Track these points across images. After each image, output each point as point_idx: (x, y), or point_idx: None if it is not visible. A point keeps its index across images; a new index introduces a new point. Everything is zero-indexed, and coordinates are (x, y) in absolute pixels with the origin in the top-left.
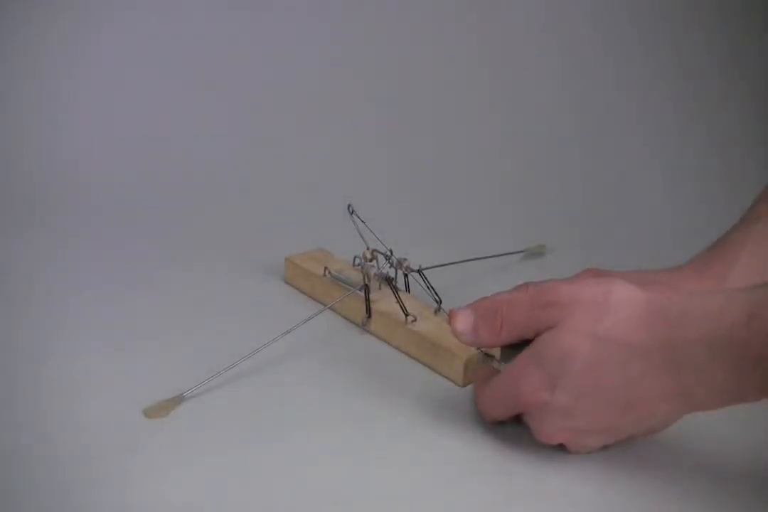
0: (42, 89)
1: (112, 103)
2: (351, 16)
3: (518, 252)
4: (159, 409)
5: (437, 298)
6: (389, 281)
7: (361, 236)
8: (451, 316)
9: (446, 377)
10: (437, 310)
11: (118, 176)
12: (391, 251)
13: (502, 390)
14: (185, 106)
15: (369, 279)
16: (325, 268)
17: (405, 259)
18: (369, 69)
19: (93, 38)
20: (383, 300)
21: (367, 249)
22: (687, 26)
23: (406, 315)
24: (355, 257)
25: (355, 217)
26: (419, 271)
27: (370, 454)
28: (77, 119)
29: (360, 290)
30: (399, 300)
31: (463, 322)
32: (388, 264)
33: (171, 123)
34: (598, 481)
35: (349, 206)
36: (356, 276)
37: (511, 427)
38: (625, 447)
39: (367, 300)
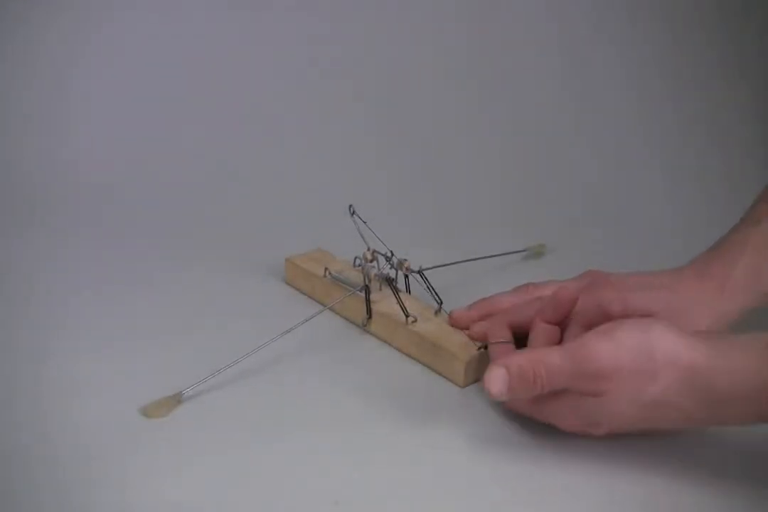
0: (42, 89)
1: (112, 103)
2: (351, 16)
3: (519, 251)
4: (158, 407)
5: (438, 299)
6: (389, 282)
7: (362, 236)
8: (486, 379)
9: (446, 378)
10: (438, 311)
11: (118, 176)
12: (391, 252)
13: (532, 411)
14: (186, 106)
15: (369, 280)
16: (326, 269)
17: (405, 260)
18: (369, 69)
19: (93, 38)
20: (384, 301)
21: (368, 249)
22: (687, 26)
23: (407, 315)
24: (355, 258)
25: (356, 218)
26: (419, 272)
27: (370, 454)
28: (77, 119)
29: (360, 291)
30: (399, 301)
31: (498, 385)
32: (389, 266)
33: (171, 123)
34: (602, 478)
35: (350, 207)
36: (356, 277)
37: (512, 428)
38: (629, 443)
39: (368, 301)
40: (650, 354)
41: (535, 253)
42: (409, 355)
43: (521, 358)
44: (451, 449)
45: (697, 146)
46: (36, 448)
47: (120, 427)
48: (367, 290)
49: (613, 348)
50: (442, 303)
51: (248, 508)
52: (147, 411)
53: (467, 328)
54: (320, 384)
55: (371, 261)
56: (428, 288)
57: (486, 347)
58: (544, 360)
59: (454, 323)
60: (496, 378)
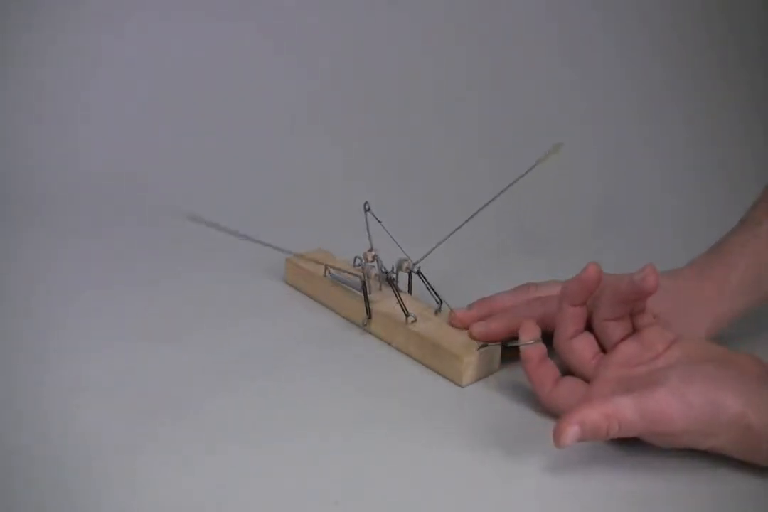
0: (44, 90)
1: (113, 102)
2: (352, 17)
3: (531, 168)
4: None
5: (438, 298)
6: (390, 281)
7: (369, 235)
8: (557, 431)
9: (446, 377)
10: (438, 311)
11: (118, 176)
12: (404, 253)
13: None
14: (187, 106)
15: (369, 280)
16: (326, 268)
17: (405, 260)
18: (368, 69)
19: (93, 38)
20: (384, 301)
21: (369, 250)
22: (687, 27)
23: (407, 315)
24: (355, 258)
25: (370, 216)
26: (418, 272)
27: (370, 454)
28: (79, 119)
29: (359, 291)
30: (400, 301)
31: (569, 440)
32: (385, 271)
33: (172, 124)
34: (602, 484)
35: (365, 203)
36: (357, 277)
37: (512, 428)
38: (632, 444)
39: (366, 301)
40: (718, 417)
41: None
42: (409, 355)
43: (595, 414)
44: (451, 449)
45: (697, 146)
46: (36, 448)
47: (120, 427)
48: (365, 290)
49: (685, 411)
50: (441, 302)
51: (248, 508)
52: None
53: (467, 328)
54: (320, 383)
55: (371, 261)
56: (428, 287)
57: (486, 345)
58: (618, 416)
59: (455, 323)
60: (569, 435)
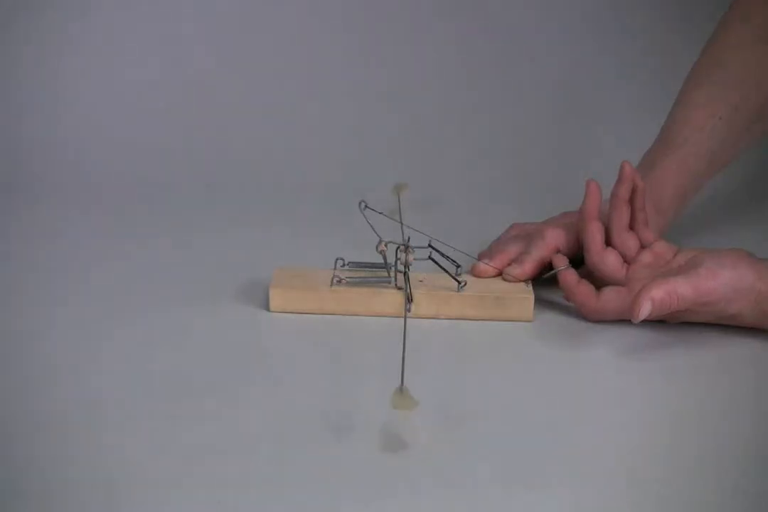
0: (42, 83)
1: (113, 100)
2: (348, 13)
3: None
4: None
5: (456, 263)
6: (435, 259)
7: (374, 230)
8: (635, 306)
9: (515, 320)
10: (458, 274)
11: (117, 176)
12: (408, 239)
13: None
14: (187, 104)
15: (407, 265)
16: (333, 276)
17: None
18: (366, 65)
19: (95, 33)
20: (416, 283)
21: (380, 242)
22: (689, 26)
23: (458, 282)
24: (380, 241)
25: (370, 211)
26: (429, 245)
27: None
28: (78, 118)
29: (389, 283)
30: (449, 273)
31: (644, 313)
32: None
33: (171, 122)
34: (595, 476)
35: (360, 202)
36: (367, 274)
37: (510, 426)
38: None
39: (407, 285)
40: (741, 284)
41: None
42: (463, 319)
43: (661, 292)
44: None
45: None
46: (36, 447)
47: (120, 427)
48: (406, 275)
49: (720, 281)
50: (459, 266)
51: (248, 509)
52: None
53: (497, 276)
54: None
55: (405, 249)
56: (445, 257)
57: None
58: (677, 292)
59: (483, 274)
60: (644, 309)
